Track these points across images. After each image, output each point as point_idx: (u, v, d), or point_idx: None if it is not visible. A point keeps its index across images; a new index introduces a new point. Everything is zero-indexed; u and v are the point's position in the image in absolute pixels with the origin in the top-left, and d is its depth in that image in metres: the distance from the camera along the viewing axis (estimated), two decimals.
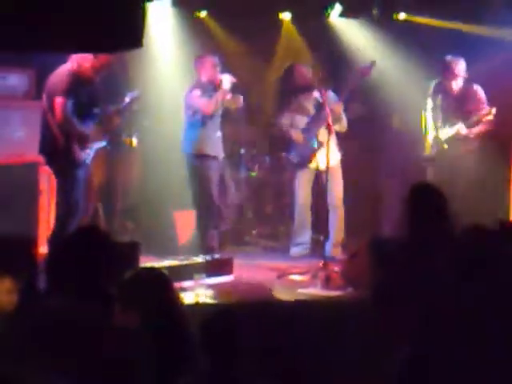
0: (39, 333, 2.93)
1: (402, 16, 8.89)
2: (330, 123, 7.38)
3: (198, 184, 7.60)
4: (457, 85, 7.72)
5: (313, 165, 7.97)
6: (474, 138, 7.69)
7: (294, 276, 6.98)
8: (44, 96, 6.89)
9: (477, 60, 7.88)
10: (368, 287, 4.68)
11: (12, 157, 7.54)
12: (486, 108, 7.57)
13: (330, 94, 7.91)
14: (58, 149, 6.78)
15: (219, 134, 7.70)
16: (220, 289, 6.32)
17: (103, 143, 7.18)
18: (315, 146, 7.89)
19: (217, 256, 7.24)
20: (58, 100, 6.74)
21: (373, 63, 7.61)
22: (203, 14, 8.77)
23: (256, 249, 8.67)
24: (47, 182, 7.52)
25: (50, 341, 2.89)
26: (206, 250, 7.39)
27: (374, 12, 8.79)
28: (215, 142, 7.66)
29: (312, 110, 8.04)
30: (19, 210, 7.28)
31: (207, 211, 7.61)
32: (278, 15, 9.03)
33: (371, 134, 9.25)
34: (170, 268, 6.20)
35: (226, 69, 7.74)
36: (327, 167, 7.37)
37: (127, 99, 7.33)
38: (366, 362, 4.81)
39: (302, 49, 9.16)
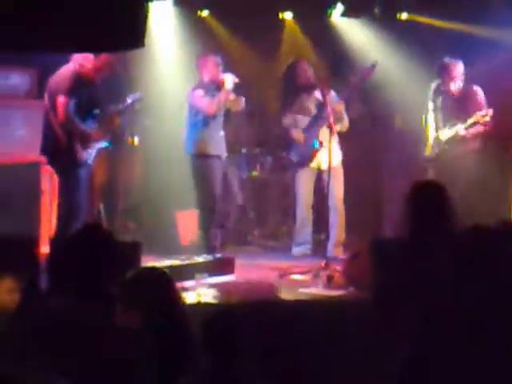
0: (40, 332, 2.94)
1: (404, 16, 8.89)
2: (332, 123, 7.39)
3: (201, 184, 7.58)
4: (455, 86, 7.74)
5: (314, 164, 7.97)
6: (473, 139, 7.70)
7: (296, 276, 6.98)
8: (46, 96, 6.90)
9: (478, 60, 7.89)
10: (369, 287, 4.68)
11: (14, 156, 7.55)
12: (483, 109, 7.59)
13: (332, 94, 7.92)
14: (60, 148, 6.79)
15: (222, 133, 7.69)
16: (222, 288, 6.31)
17: (105, 143, 7.18)
18: (316, 145, 7.89)
19: (218, 256, 7.24)
20: (61, 99, 6.75)
21: (374, 65, 7.62)
22: (205, 13, 8.77)
23: (258, 248, 8.68)
24: (49, 181, 7.52)
25: (51, 340, 2.90)
26: (209, 249, 7.39)
27: (376, 11, 8.79)
28: (218, 142, 7.65)
29: (314, 110, 8.04)
30: (21, 209, 7.28)
31: (210, 211, 7.59)
32: (279, 15, 9.03)
33: (373, 133, 9.26)
34: (171, 268, 6.20)
35: (228, 68, 7.73)
36: (329, 167, 7.38)
37: (129, 100, 7.33)
38: (367, 361, 4.81)
39: (306, 48, 9.15)
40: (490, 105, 7.66)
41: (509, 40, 8.11)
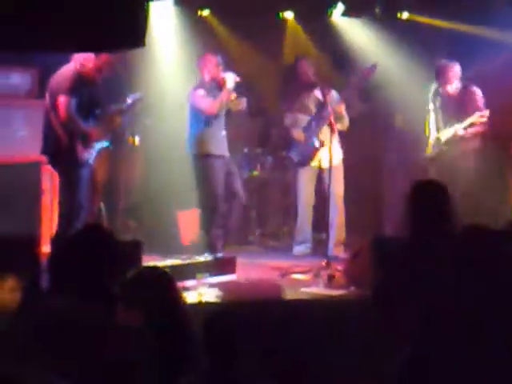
0: (41, 332, 2.94)
1: (405, 15, 8.89)
2: (333, 122, 7.39)
3: (203, 184, 7.55)
4: (452, 88, 7.77)
5: (314, 163, 7.98)
6: (472, 138, 7.71)
7: (297, 275, 6.98)
8: (47, 95, 6.90)
9: (478, 60, 7.90)
10: (370, 286, 4.68)
11: (14, 156, 7.55)
12: (481, 110, 7.60)
13: (333, 94, 7.93)
14: (61, 148, 6.78)
15: (224, 132, 7.67)
16: (226, 288, 6.31)
17: (105, 143, 7.18)
18: (316, 145, 7.90)
19: (220, 255, 7.24)
20: (62, 99, 6.74)
21: (375, 65, 7.63)
22: (206, 12, 8.76)
23: (259, 248, 8.68)
24: (50, 181, 7.52)
25: (52, 340, 2.90)
26: (211, 249, 7.38)
27: (377, 11, 8.79)
28: (220, 141, 7.63)
29: (314, 109, 8.04)
30: (22, 209, 7.28)
31: (212, 211, 7.57)
32: (280, 14, 9.02)
33: (373, 132, 9.26)
34: (172, 267, 6.20)
35: (228, 67, 7.73)
36: (330, 166, 7.39)
37: (129, 101, 7.33)
38: (368, 361, 4.81)
39: (308, 47, 9.15)
40: (490, 105, 7.68)
41: (509, 40, 8.12)
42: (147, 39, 4.43)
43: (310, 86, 8.04)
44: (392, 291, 4.02)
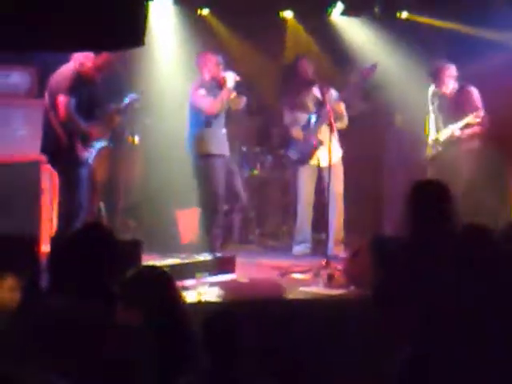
0: (41, 331, 2.94)
1: (404, 15, 8.89)
2: (332, 121, 7.39)
3: (204, 184, 7.53)
4: (448, 89, 7.79)
5: (313, 162, 7.98)
6: (470, 139, 7.72)
7: (297, 274, 6.97)
8: (46, 95, 6.89)
9: (477, 59, 7.90)
10: (370, 285, 4.68)
11: (14, 155, 7.55)
12: (478, 110, 7.61)
13: (332, 93, 7.93)
14: (61, 148, 6.78)
15: (224, 131, 7.65)
16: (226, 287, 6.30)
17: (105, 142, 7.18)
18: (315, 144, 7.91)
19: (219, 254, 7.24)
20: (61, 98, 6.74)
21: (375, 65, 7.64)
22: (205, 11, 8.76)
23: (258, 248, 8.68)
24: (49, 180, 7.53)
25: (51, 339, 2.90)
26: (210, 248, 7.38)
27: (376, 10, 8.79)
28: (221, 140, 7.61)
29: (312, 108, 8.05)
30: (21, 208, 7.29)
31: (212, 211, 7.56)
32: (279, 13, 9.02)
33: (373, 131, 9.25)
34: (172, 266, 6.20)
35: (228, 67, 7.72)
36: (329, 165, 7.38)
37: (127, 100, 7.32)
38: (367, 361, 4.81)
39: (309, 46, 9.15)
40: (489, 105, 7.68)
41: (509, 40, 8.12)
42: (147, 38, 4.42)
43: (309, 85, 8.04)
44: (392, 291, 4.02)
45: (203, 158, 7.52)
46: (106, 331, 3.02)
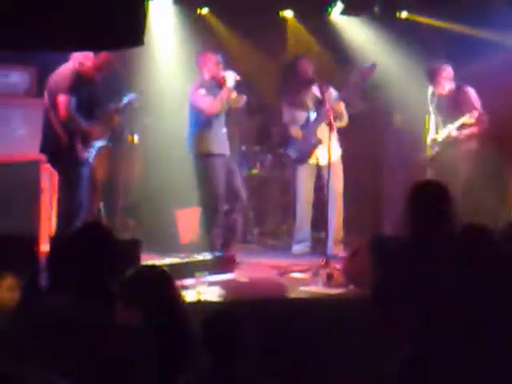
0: (40, 330, 2.94)
1: (404, 15, 8.89)
2: (332, 120, 7.40)
3: (204, 183, 7.52)
4: (444, 89, 7.80)
5: (312, 160, 7.98)
6: (467, 139, 7.73)
7: (296, 274, 6.97)
8: (46, 94, 6.89)
9: (476, 59, 7.91)
10: (369, 285, 4.68)
11: (13, 155, 7.55)
12: (474, 110, 7.62)
13: (331, 92, 7.93)
14: (61, 147, 6.78)
15: (224, 130, 7.63)
16: (227, 286, 6.30)
17: (105, 141, 7.18)
18: (314, 142, 7.92)
19: (219, 254, 7.23)
20: (61, 98, 6.74)
21: (374, 64, 7.64)
22: (205, 11, 8.75)
23: (257, 247, 8.68)
24: (49, 179, 7.52)
25: (51, 338, 2.90)
26: (211, 248, 7.37)
27: (376, 10, 8.79)
28: (221, 140, 7.59)
29: (312, 107, 8.05)
30: (21, 208, 7.28)
31: (213, 211, 7.55)
32: (279, 13, 9.02)
33: (372, 130, 9.26)
34: (171, 266, 6.20)
35: (228, 66, 7.71)
36: (328, 164, 7.39)
37: (126, 100, 7.32)
38: (367, 360, 4.82)
39: (310, 45, 9.15)
40: (488, 105, 7.69)
41: (508, 41, 8.12)
42: (146, 38, 4.42)
43: (309, 84, 8.04)
44: (391, 291, 4.02)
45: (203, 158, 7.51)
46: (106, 330, 3.02)
